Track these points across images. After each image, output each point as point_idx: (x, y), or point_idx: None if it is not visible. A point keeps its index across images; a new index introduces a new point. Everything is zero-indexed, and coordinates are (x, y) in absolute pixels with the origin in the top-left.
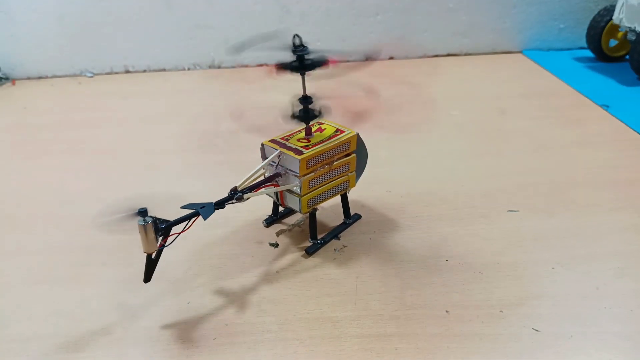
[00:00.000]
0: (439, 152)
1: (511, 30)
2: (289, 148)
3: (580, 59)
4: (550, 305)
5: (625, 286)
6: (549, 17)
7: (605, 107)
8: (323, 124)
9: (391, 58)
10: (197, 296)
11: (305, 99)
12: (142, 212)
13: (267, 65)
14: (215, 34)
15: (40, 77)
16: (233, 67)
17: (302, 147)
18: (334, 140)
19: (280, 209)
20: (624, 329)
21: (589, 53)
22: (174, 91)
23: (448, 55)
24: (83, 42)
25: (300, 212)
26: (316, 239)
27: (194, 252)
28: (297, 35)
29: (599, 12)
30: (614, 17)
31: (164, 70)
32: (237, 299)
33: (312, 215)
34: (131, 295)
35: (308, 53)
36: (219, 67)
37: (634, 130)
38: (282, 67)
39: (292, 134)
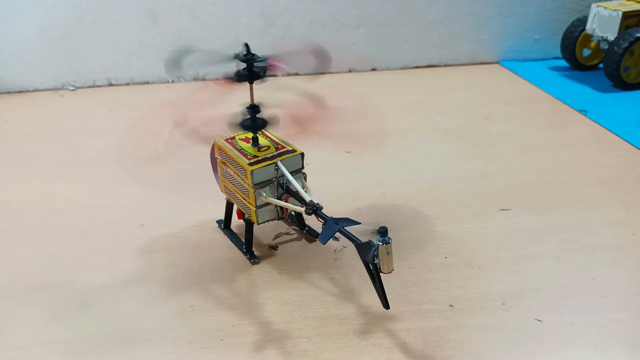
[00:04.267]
0: (428, 156)
1: (489, 42)
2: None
3: (555, 68)
4: (550, 297)
5: (620, 276)
6: (525, 29)
7: (583, 112)
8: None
9: (373, 69)
10: (199, 299)
11: (253, 108)
12: (383, 232)
13: (217, 79)
14: (199, 46)
15: (20, 91)
16: (217, 78)
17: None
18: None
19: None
20: (623, 316)
21: (563, 63)
22: (159, 104)
23: (428, 66)
24: (65, 55)
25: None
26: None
27: (193, 256)
28: (246, 44)
29: (572, 23)
30: (587, 28)
31: (148, 83)
32: (240, 300)
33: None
34: (130, 300)
35: (256, 61)
36: (204, 79)
37: (613, 133)
38: (231, 78)
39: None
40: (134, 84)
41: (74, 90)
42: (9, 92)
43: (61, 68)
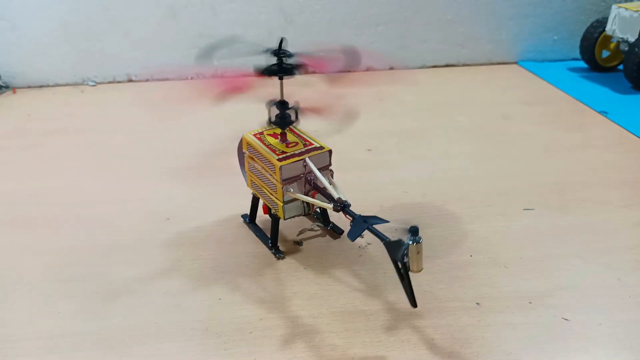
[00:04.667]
0: (449, 154)
1: (507, 42)
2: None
3: (574, 69)
4: (576, 296)
5: None
6: (543, 29)
7: (604, 113)
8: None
9: (392, 68)
10: (226, 292)
11: (282, 104)
12: (414, 231)
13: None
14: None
15: (41, 86)
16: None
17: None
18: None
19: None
20: None
21: (582, 64)
22: (179, 100)
23: (446, 65)
24: (86, 51)
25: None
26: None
27: (219, 250)
28: (281, 39)
29: (591, 24)
30: (606, 29)
31: (167, 79)
32: (267, 294)
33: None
34: (158, 292)
35: (289, 57)
36: (223, 76)
37: (634, 135)
38: (261, 71)
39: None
40: (153, 80)
41: (94, 85)
42: (30, 87)
43: (82, 63)
